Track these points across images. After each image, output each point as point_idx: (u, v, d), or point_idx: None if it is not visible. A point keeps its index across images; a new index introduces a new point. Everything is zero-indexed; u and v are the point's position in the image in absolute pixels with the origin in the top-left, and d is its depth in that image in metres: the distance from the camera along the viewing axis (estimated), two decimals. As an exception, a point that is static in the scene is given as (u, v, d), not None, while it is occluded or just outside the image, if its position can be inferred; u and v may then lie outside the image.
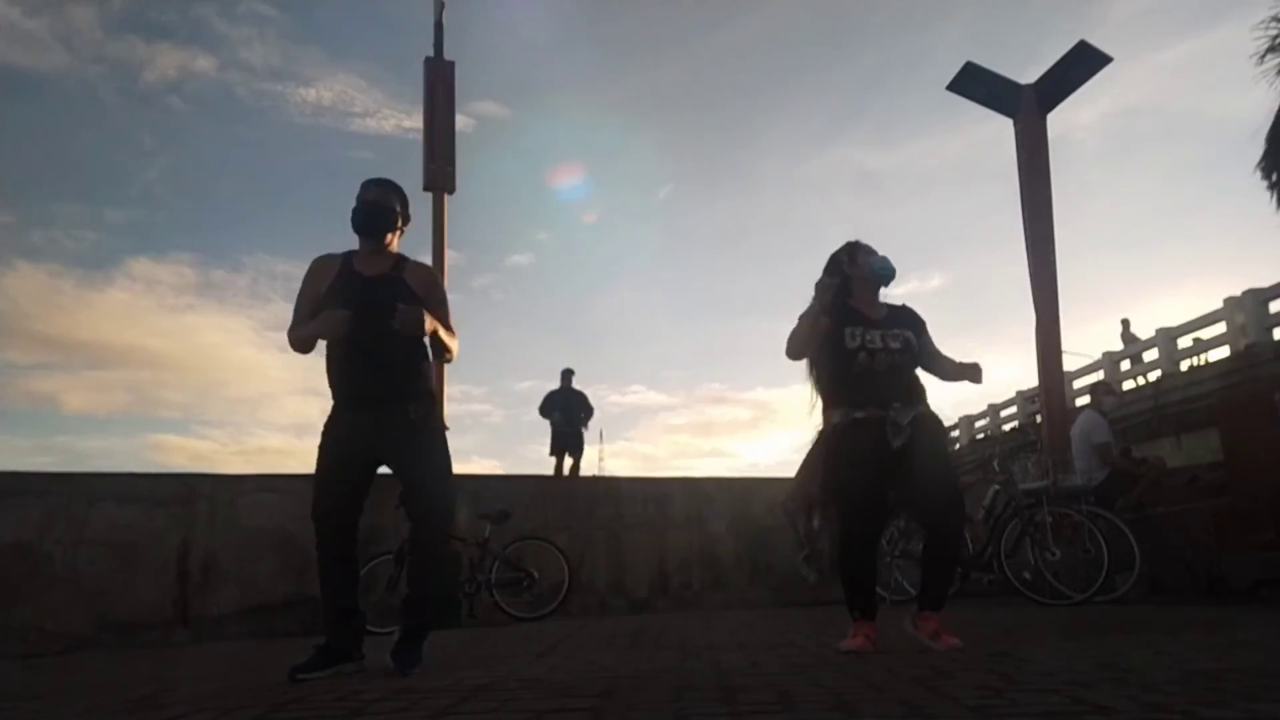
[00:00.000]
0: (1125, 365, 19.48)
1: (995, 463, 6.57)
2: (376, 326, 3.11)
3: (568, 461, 10.98)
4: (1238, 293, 15.99)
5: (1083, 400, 12.69)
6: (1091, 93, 38.68)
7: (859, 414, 3.36)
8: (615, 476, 10.51)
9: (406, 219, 3.41)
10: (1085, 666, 2.52)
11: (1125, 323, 20.10)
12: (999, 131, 8.38)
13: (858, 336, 3.40)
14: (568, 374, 11.25)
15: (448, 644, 4.28)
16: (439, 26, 8.64)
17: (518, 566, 6.69)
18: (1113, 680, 2.21)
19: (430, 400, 3.29)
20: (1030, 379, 21.03)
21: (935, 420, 3.52)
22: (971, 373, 3.59)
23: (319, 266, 3.28)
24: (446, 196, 8.36)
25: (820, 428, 3.64)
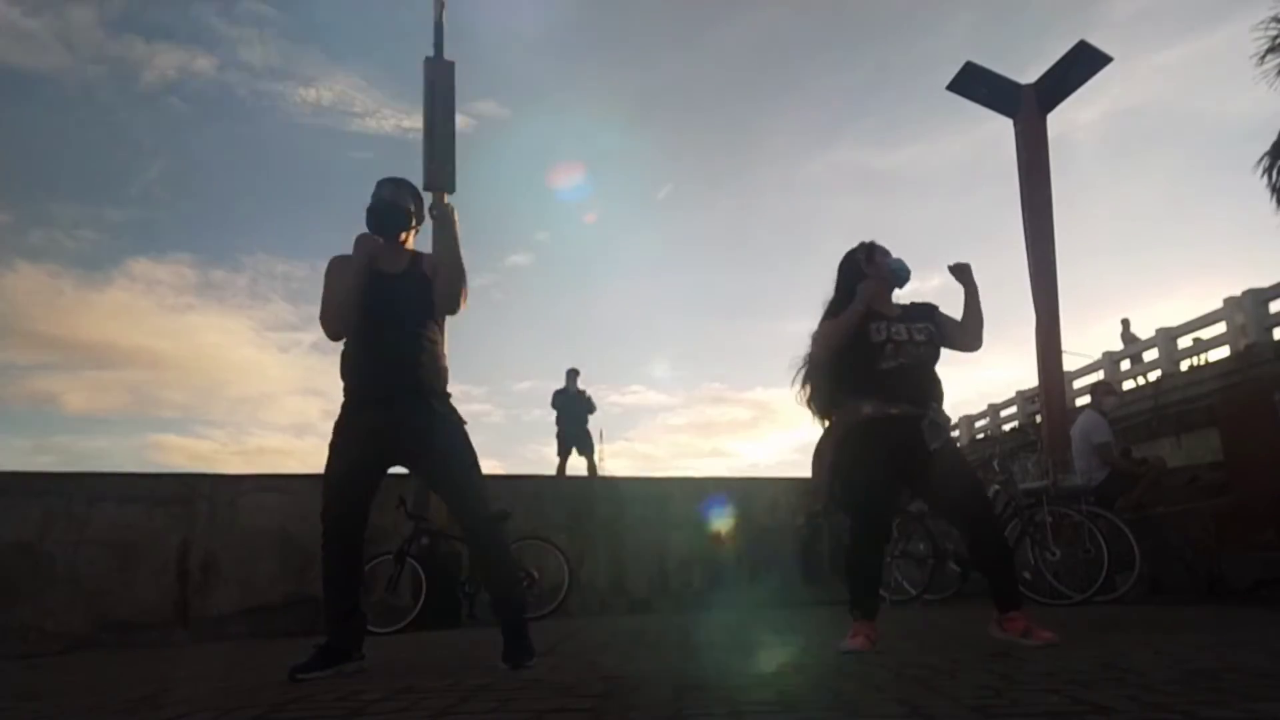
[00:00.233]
0: (1125, 365, 19.47)
1: (995, 463, 6.57)
2: (397, 323, 3.12)
3: (580, 461, 11.08)
4: (1238, 293, 15.99)
5: (1083, 400, 12.70)
6: (1091, 93, 38.70)
7: (893, 410, 3.32)
8: (615, 476, 10.53)
9: (420, 218, 3.42)
10: (1085, 666, 2.52)
11: (1125, 323, 20.10)
12: (999, 131, 8.40)
13: (883, 330, 3.39)
14: (572, 374, 11.35)
15: (448, 644, 4.28)
16: (439, 26, 8.63)
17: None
18: (1113, 680, 2.21)
19: (445, 399, 3.28)
20: (1030, 379, 21.03)
21: (948, 421, 3.53)
22: (964, 275, 3.54)
23: (338, 264, 3.29)
24: (446, 196, 8.36)
25: (832, 421, 3.60)
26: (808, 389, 3.58)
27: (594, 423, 11.32)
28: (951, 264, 3.55)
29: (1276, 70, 13.46)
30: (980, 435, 23.74)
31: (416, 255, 3.35)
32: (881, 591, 6.84)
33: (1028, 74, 8.31)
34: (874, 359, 3.37)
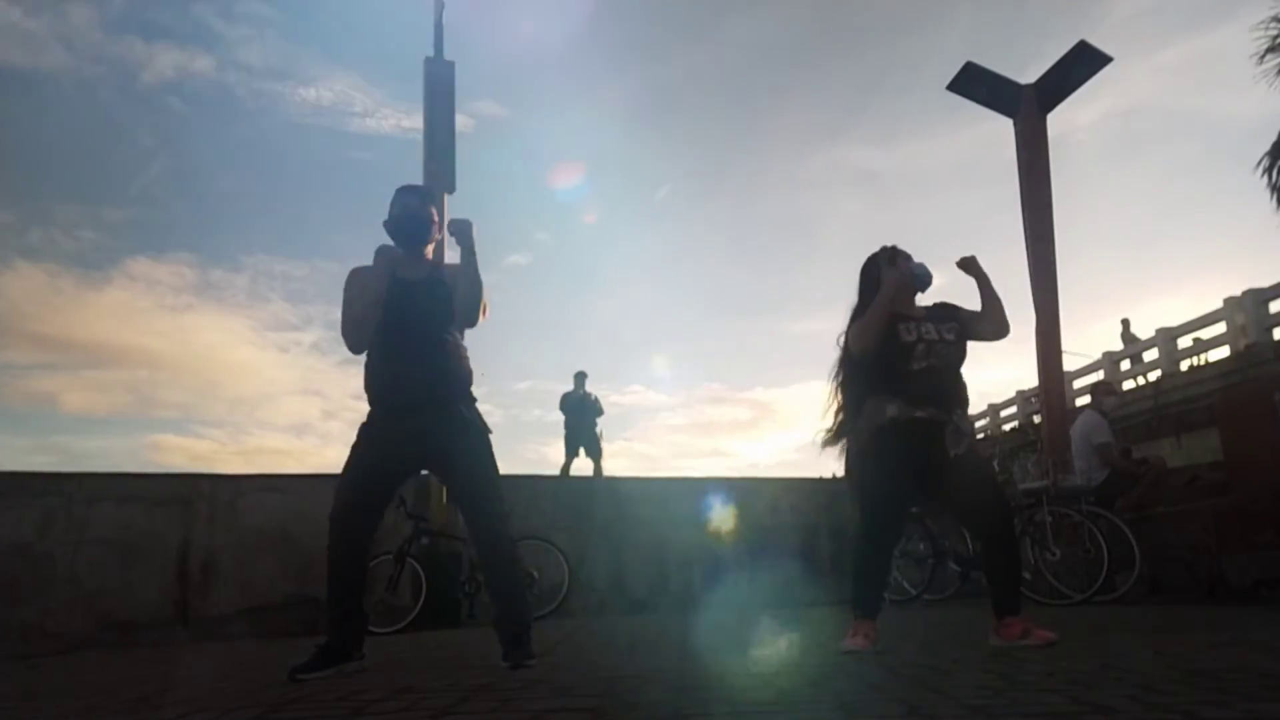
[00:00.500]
0: (1125, 365, 19.47)
1: (995, 463, 6.57)
2: (421, 330, 3.14)
3: (586, 463, 11.11)
4: (1238, 293, 15.99)
5: (1083, 400, 12.70)
6: (1091, 93, 38.72)
7: (919, 413, 3.31)
8: (615, 476, 10.54)
9: (440, 227, 3.44)
10: (1085, 666, 2.52)
11: (1125, 323, 20.10)
12: (999, 131, 8.38)
13: (913, 330, 3.39)
14: (581, 376, 11.42)
15: (448, 644, 4.28)
16: (439, 26, 8.63)
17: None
18: (1113, 680, 2.21)
19: (472, 405, 3.28)
20: (1030, 379, 21.05)
21: (973, 431, 3.57)
22: (973, 267, 3.54)
23: (357, 276, 3.29)
24: (446, 196, 8.36)
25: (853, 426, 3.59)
26: (839, 399, 3.58)
27: (598, 424, 11.39)
28: (958, 259, 3.56)
29: (1276, 70, 13.47)
30: (980, 435, 23.76)
31: (437, 264, 3.37)
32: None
33: (1028, 74, 8.31)
34: (906, 359, 3.37)
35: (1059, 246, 7.91)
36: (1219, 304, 16.45)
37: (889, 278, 3.45)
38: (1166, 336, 17.80)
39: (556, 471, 10.91)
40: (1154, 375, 17.57)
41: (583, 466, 11.14)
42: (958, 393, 3.42)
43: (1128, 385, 18.02)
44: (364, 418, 3.23)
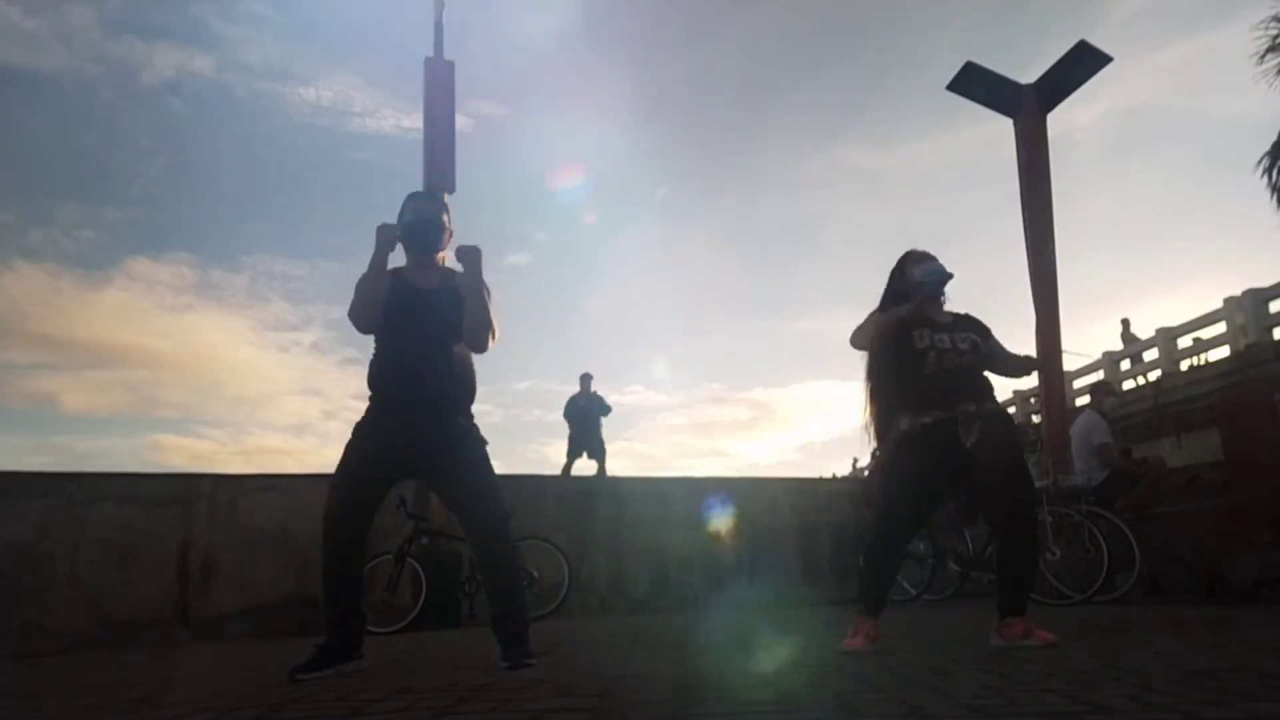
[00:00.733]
0: (1125, 365, 19.48)
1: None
2: (429, 337, 3.14)
3: (591, 464, 11.09)
4: (1238, 293, 16.00)
5: (1083, 400, 12.69)
6: (1091, 93, 38.73)
7: (926, 419, 3.34)
8: (615, 476, 10.53)
9: (449, 230, 3.44)
10: (1085, 666, 2.52)
11: (1125, 323, 20.11)
12: (999, 131, 8.37)
13: (926, 337, 3.41)
14: (586, 378, 11.40)
15: (448, 644, 4.28)
16: (439, 26, 8.63)
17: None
18: (1113, 680, 2.21)
19: (470, 416, 3.29)
20: (1030, 379, 21.03)
21: (1005, 417, 3.49)
22: (1030, 364, 3.68)
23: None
24: (446, 196, 8.36)
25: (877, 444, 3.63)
26: (871, 408, 3.60)
27: (603, 423, 11.36)
28: (1024, 361, 3.65)
29: (1276, 70, 13.49)
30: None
31: (449, 272, 3.37)
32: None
33: (1028, 74, 8.30)
34: (917, 365, 3.40)
35: (1059, 246, 7.91)
36: (1219, 304, 16.46)
37: (903, 309, 3.48)
38: (1166, 336, 17.81)
39: (557, 471, 10.92)
40: (1154, 375, 17.58)
41: (583, 466, 11.16)
42: (970, 387, 3.40)
43: (1128, 385, 18.03)
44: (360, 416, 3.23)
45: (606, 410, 11.30)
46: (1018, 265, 7.95)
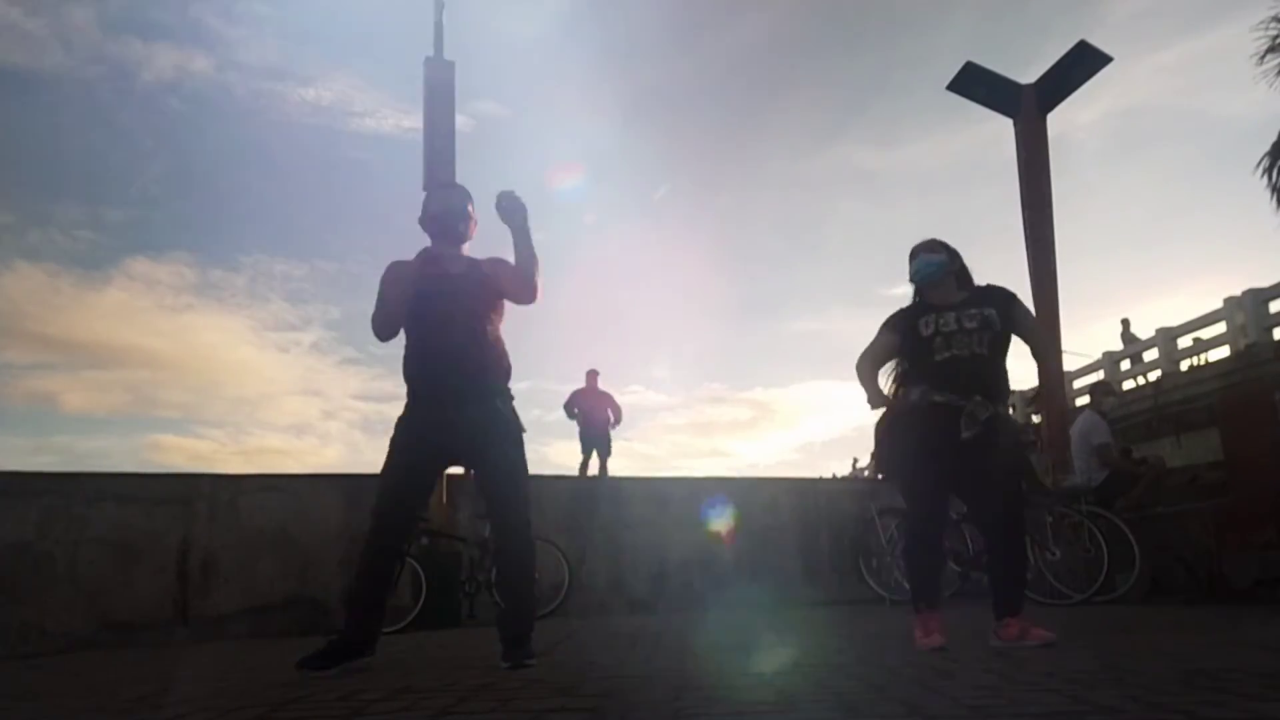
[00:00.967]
0: (1125, 365, 19.48)
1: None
2: (460, 322, 3.15)
3: (595, 462, 11.06)
4: (1238, 293, 16.01)
5: (1083, 400, 12.69)
6: (1091, 93, 38.72)
7: (939, 397, 3.33)
8: (615, 476, 10.52)
9: (475, 220, 3.43)
10: (1085, 666, 2.52)
11: (1125, 323, 20.12)
12: (999, 131, 8.39)
13: (931, 324, 3.40)
14: (592, 374, 11.33)
15: (448, 644, 4.28)
16: (439, 26, 8.63)
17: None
18: (1113, 680, 2.21)
19: (509, 400, 3.28)
20: (1030, 379, 21.04)
21: (1011, 424, 3.46)
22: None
23: (395, 268, 3.31)
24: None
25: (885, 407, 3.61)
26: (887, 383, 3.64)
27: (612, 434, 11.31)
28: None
29: (1276, 70, 13.48)
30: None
31: (474, 261, 3.36)
32: (880, 591, 6.92)
33: (1028, 74, 8.31)
34: (927, 353, 3.40)
35: (1059, 246, 7.92)
36: (1219, 304, 16.47)
37: (895, 401, 3.52)
38: (1166, 336, 17.81)
39: (556, 471, 10.94)
40: (1154, 375, 17.58)
41: (594, 467, 11.14)
42: (985, 380, 3.36)
43: (1128, 385, 18.03)
44: (383, 415, 3.26)
45: (618, 421, 11.23)
46: (1018, 265, 7.95)
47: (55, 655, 5.69)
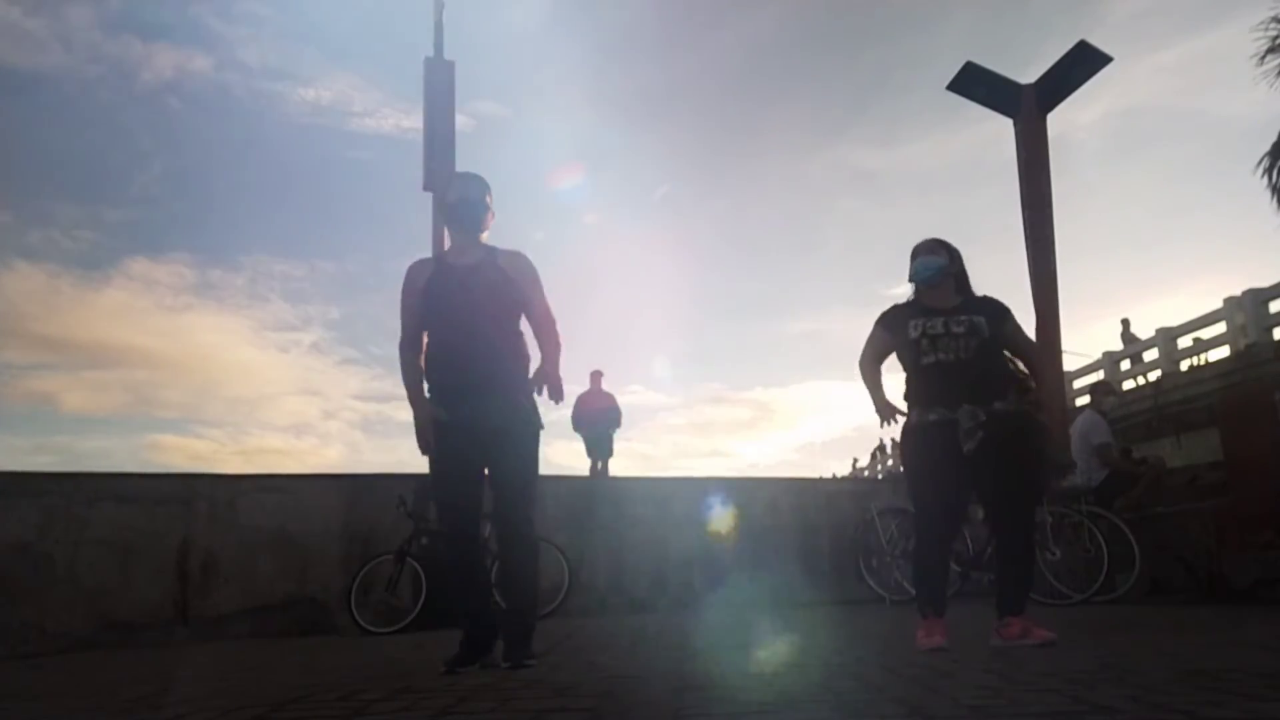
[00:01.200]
0: (1125, 365, 19.48)
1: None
2: (473, 315, 3.14)
3: (598, 464, 11.05)
4: (1238, 293, 16.00)
5: (1083, 400, 12.68)
6: (1091, 93, 38.76)
7: (931, 416, 3.37)
8: (615, 476, 10.53)
9: (492, 212, 3.41)
10: (1085, 666, 2.52)
11: (1125, 323, 20.11)
12: (999, 131, 8.38)
13: (919, 327, 3.43)
14: (595, 375, 11.32)
15: (448, 644, 4.27)
16: (439, 26, 8.64)
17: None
18: (1113, 680, 2.21)
19: (529, 393, 3.25)
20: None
21: (1017, 417, 3.42)
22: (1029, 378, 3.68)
23: (415, 268, 3.31)
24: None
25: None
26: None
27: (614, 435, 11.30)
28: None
29: (1276, 70, 13.48)
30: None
31: (490, 249, 3.33)
32: (880, 591, 6.91)
33: (1028, 74, 8.30)
34: (914, 356, 3.44)
35: (1059, 246, 7.91)
36: (1219, 304, 16.46)
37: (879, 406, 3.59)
38: (1166, 336, 17.81)
39: (555, 471, 10.92)
40: (1154, 375, 17.58)
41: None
42: (976, 383, 3.36)
43: (1128, 385, 18.03)
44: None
45: (618, 423, 11.22)
46: (1018, 265, 7.94)
47: (55, 655, 5.69)
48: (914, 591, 3.53)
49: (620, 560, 7.66)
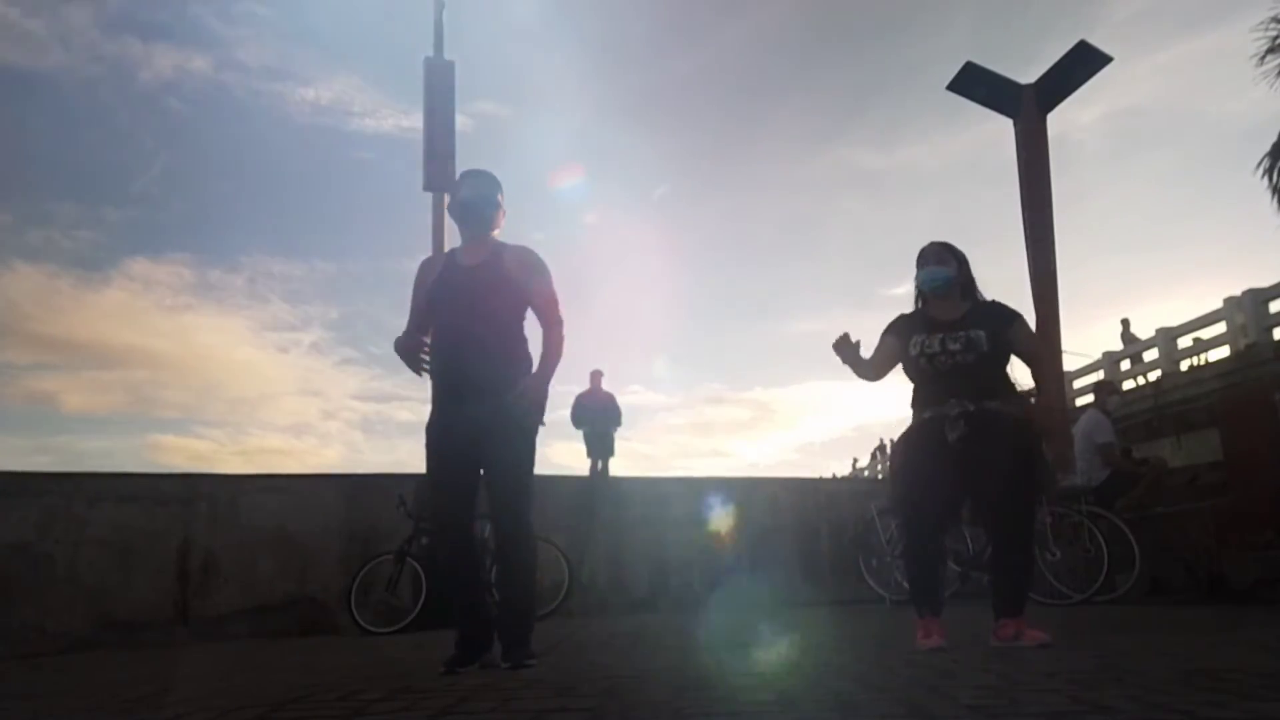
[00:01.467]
0: (1125, 365, 19.47)
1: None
2: (472, 314, 3.14)
3: (599, 464, 11.04)
4: (1238, 293, 15.99)
5: (1083, 400, 12.70)
6: (1091, 93, 38.74)
7: (926, 414, 3.44)
8: (615, 476, 10.52)
9: (503, 210, 3.41)
10: (1085, 666, 2.52)
11: (1125, 323, 20.09)
12: (999, 131, 8.36)
13: (918, 344, 3.48)
14: (596, 375, 11.29)
15: (448, 644, 4.27)
16: (439, 26, 8.64)
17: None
18: (1113, 680, 2.21)
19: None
20: (1029, 379, 21.02)
21: (1008, 416, 3.40)
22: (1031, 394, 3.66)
23: (425, 265, 3.36)
24: (446, 196, 8.34)
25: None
26: None
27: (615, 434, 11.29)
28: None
29: (1276, 70, 13.47)
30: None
31: (499, 245, 3.32)
32: (880, 591, 6.91)
33: (1028, 74, 8.29)
34: (913, 369, 3.51)
35: (1059, 246, 7.91)
36: (1219, 304, 16.45)
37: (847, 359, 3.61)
38: (1166, 336, 17.80)
39: (553, 471, 10.90)
40: (1154, 375, 17.58)
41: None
42: (967, 384, 3.38)
43: (1128, 385, 18.02)
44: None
45: (619, 422, 11.22)
46: (1018, 265, 7.93)
47: (55, 655, 5.69)
48: (908, 589, 3.54)
49: (620, 560, 7.66)
